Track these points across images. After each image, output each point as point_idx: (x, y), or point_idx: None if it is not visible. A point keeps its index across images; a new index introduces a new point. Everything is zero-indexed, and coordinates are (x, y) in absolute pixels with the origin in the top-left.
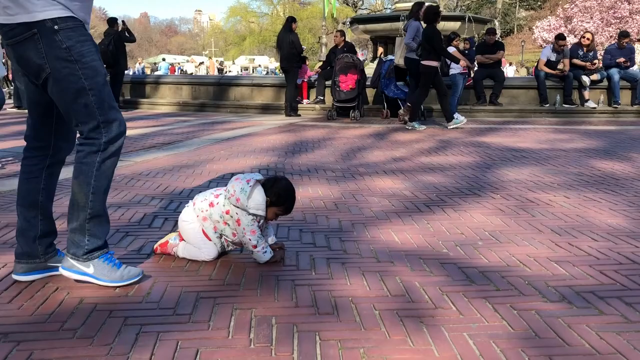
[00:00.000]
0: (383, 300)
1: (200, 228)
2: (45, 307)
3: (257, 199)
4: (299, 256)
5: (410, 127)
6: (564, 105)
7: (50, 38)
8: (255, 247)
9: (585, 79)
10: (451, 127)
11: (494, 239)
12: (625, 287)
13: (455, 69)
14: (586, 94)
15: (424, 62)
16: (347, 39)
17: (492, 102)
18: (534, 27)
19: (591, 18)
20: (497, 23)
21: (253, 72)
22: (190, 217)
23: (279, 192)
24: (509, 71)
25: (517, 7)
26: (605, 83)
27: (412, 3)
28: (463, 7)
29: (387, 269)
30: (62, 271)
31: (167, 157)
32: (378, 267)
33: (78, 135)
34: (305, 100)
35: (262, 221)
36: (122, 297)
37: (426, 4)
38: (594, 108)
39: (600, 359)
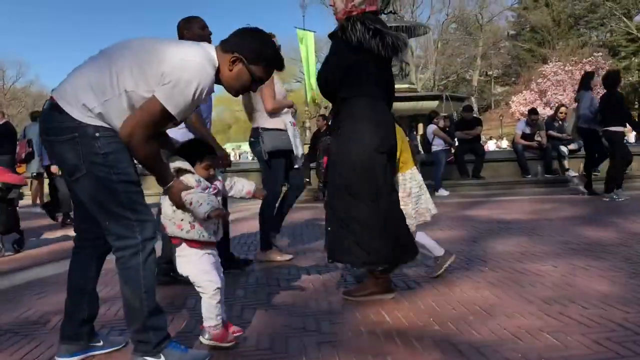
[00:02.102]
0: None
1: (201, 253)
2: None
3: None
4: (288, 341)
5: (609, 199)
6: (545, 175)
7: (90, 143)
8: (191, 204)
9: (563, 149)
10: (607, 199)
11: (485, 313)
12: (619, 354)
13: (437, 145)
14: (566, 163)
15: (611, 129)
16: (329, 123)
17: (475, 176)
18: (510, 102)
19: (564, 90)
20: (473, 100)
21: (239, 158)
22: (185, 250)
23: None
24: (489, 145)
25: (492, 84)
26: (583, 152)
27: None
28: (440, 86)
29: (379, 349)
30: None
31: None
32: (370, 349)
33: (111, 240)
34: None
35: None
36: None
37: (606, 70)
38: (575, 176)
39: None
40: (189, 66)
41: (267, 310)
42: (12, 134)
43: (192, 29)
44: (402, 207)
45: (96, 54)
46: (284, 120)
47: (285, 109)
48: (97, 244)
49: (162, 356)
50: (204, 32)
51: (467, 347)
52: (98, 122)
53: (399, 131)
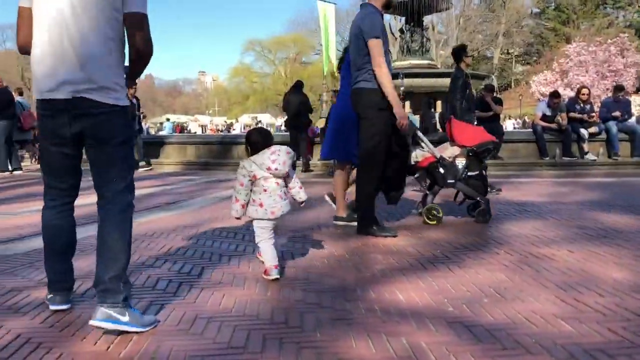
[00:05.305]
0: None
1: None
2: None
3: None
4: (303, 317)
5: None
6: (564, 158)
7: (125, 115)
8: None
9: (584, 131)
10: None
11: (499, 296)
12: (634, 344)
13: None
14: (585, 146)
15: None
16: None
17: (493, 156)
18: (530, 82)
19: (586, 72)
20: (494, 78)
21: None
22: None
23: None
24: (508, 125)
25: (513, 63)
26: (603, 135)
27: (409, 62)
28: None
29: (393, 329)
30: (97, 323)
31: (171, 217)
32: (384, 328)
33: (122, 196)
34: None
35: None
36: None
37: None
38: (594, 160)
39: None
40: None
41: (281, 285)
42: (10, 99)
43: None
44: None
45: (52, 35)
46: None
47: None
48: (73, 200)
49: (126, 314)
50: None
51: (480, 330)
52: (127, 101)
53: None
